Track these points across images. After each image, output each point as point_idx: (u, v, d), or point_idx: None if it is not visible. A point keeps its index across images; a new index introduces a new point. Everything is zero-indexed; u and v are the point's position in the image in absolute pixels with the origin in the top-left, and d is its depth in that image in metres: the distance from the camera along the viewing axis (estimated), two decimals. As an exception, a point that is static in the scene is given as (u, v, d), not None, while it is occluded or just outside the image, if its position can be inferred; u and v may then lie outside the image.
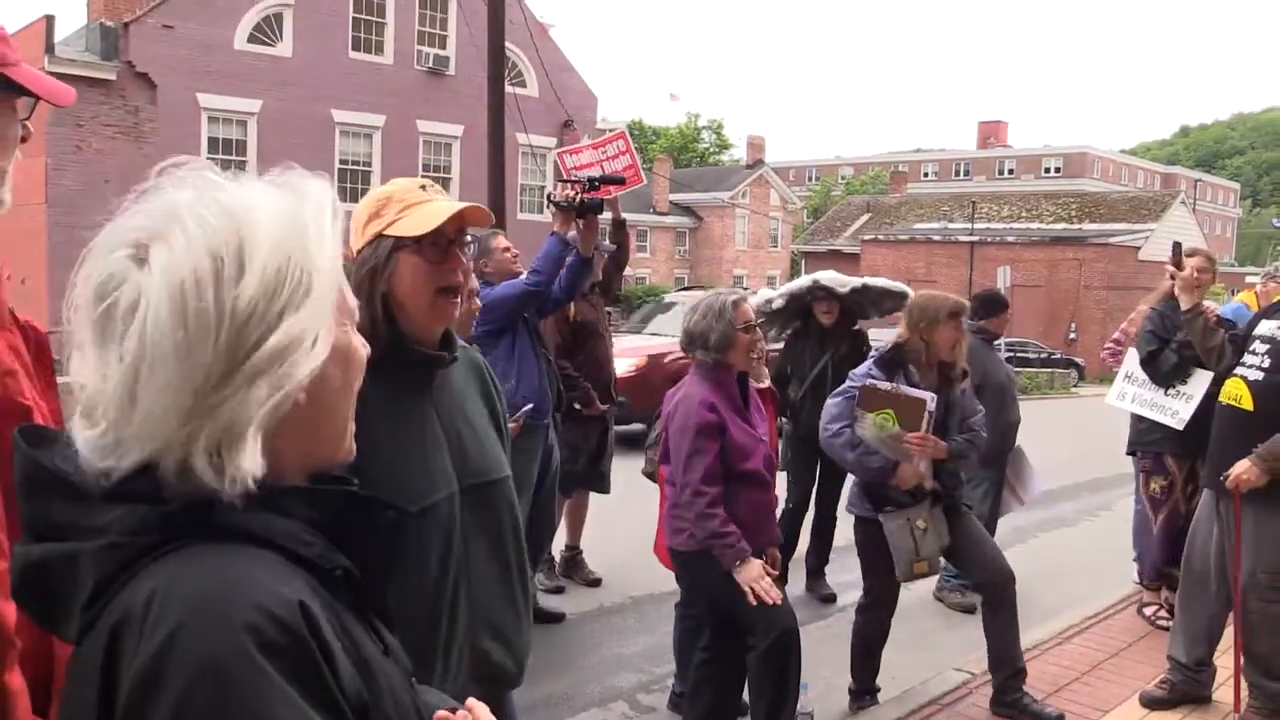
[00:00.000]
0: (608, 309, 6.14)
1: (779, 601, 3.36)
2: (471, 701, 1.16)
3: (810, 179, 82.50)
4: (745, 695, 3.67)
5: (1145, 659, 4.71)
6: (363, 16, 22.29)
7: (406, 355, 1.80)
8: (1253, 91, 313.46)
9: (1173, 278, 4.59)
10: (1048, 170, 76.30)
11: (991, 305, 6.04)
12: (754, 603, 3.31)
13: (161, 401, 0.86)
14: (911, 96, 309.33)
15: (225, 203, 0.91)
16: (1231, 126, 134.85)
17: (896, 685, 4.38)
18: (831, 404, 4.06)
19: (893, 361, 4.02)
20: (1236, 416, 3.88)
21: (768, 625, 3.40)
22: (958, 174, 79.82)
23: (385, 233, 1.79)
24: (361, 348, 1.04)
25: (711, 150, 65.93)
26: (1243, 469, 3.70)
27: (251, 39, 20.64)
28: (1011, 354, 26.07)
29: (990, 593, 4.14)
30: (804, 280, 6.16)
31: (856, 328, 6.21)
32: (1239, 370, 3.94)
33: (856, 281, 6.07)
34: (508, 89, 11.58)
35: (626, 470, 5.76)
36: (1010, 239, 39.33)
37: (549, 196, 4.49)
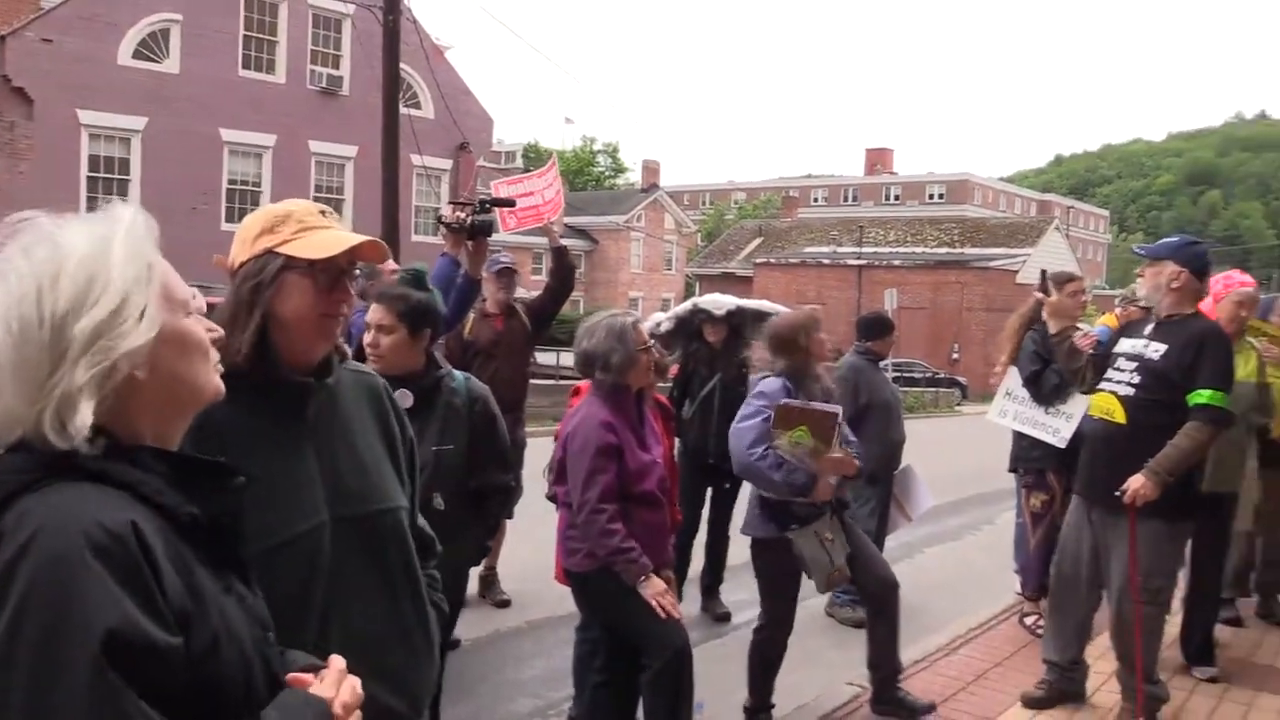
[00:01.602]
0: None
1: (679, 616, 3.41)
2: (333, 658, 1.38)
3: (704, 203, 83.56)
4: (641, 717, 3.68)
5: (1026, 667, 4.88)
6: (254, 35, 21.82)
7: (278, 377, 1.74)
8: (1120, 124, 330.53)
9: (1040, 304, 4.80)
10: (931, 196, 78.90)
11: (877, 327, 6.21)
12: (663, 615, 3.35)
13: (14, 392, 1.15)
14: (802, 123, 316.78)
15: (49, 242, 1.19)
16: (1101, 157, 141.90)
17: (791, 701, 4.45)
18: (745, 427, 4.06)
19: (798, 380, 4.12)
20: (1109, 429, 4.09)
21: (660, 646, 3.43)
22: (846, 199, 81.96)
23: (276, 249, 1.73)
24: (204, 332, 1.31)
25: (607, 174, 66.23)
26: (1139, 484, 3.83)
27: (136, 54, 20.01)
28: (898, 374, 26.82)
29: (876, 601, 4.26)
30: (686, 304, 6.25)
31: (747, 351, 6.27)
32: (1107, 386, 4.15)
33: (732, 303, 6.09)
34: (403, 110, 11.48)
35: (528, 494, 5.74)
36: (896, 262, 40.50)
37: (439, 218, 4.46)
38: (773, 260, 44.02)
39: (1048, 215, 58.05)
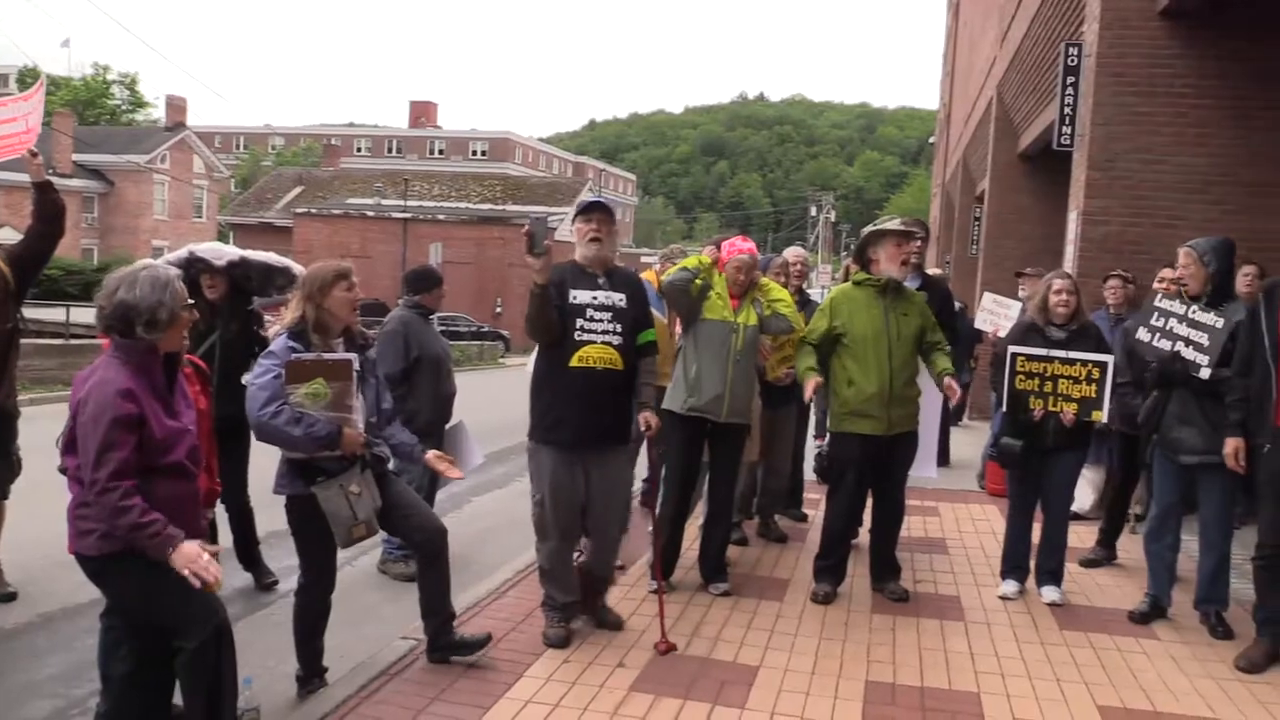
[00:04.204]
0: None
1: (219, 578, 3.15)
2: None
3: (238, 147, 78.17)
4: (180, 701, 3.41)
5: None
6: None
7: None
8: (646, 95, 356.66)
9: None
10: (475, 153, 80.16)
11: (426, 281, 6.19)
12: (197, 585, 3.06)
13: None
14: (345, 69, 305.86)
15: None
16: (629, 124, 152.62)
17: (346, 663, 4.36)
18: (257, 387, 3.87)
19: (302, 334, 3.96)
20: (611, 376, 4.54)
21: (194, 624, 3.17)
22: (390, 151, 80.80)
23: None
24: None
25: (124, 108, 59.43)
26: (649, 418, 4.60)
27: None
28: (444, 328, 27.03)
29: (425, 550, 4.27)
30: (181, 252, 5.69)
31: (252, 307, 5.82)
32: (599, 339, 4.51)
33: (235, 254, 5.63)
34: None
35: (38, 468, 5.04)
36: (441, 217, 40.72)
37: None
38: (314, 211, 42.30)
39: (583, 176, 61.44)
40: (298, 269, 5.83)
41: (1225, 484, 4.88)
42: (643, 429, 4.70)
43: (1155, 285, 6.33)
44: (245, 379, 5.43)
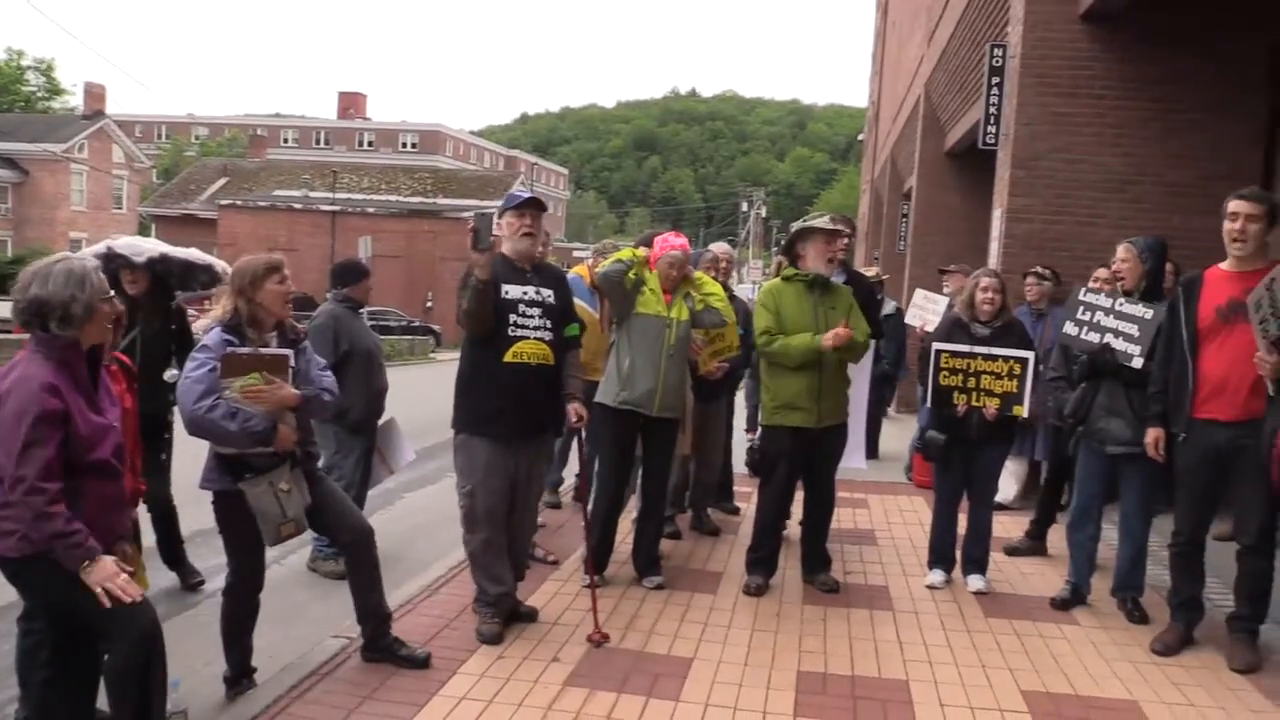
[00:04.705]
0: None
1: (138, 599, 3.09)
2: None
3: (160, 136, 76.24)
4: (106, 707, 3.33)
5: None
6: None
7: None
8: (578, 89, 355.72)
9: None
10: (405, 145, 79.26)
11: (352, 273, 6.12)
12: (108, 604, 3.01)
13: None
14: (270, 57, 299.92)
15: None
16: (561, 118, 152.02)
17: (275, 663, 4.29)
18: (191, 381, 3.79)
19: (237, 328, 3.90)
20: (545, 371, 4.60)
21: (123, 628, 3.09)
22: (318, 142, 79.46)
23: None
24: None
25: (40, 95, 57.49)
26: (578, 409, 4.72)
27: None
28: (374, 322, 26.72)
29: (353, 551, 4.22)
30: (99, 246, 5.54)
31: (175, 302, 5.68)
32: (532, 334, 4.57)
33: (155, 250, 5.52)
34: None
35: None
36: (371, 210, 40.21)
37: None
38: (239, 202, 41.41)
39: (514, 170, 61.10)
40: (221, 266, 5.72)
41: (1147, 474, 5.03)
42: (573, 420, 4.74)
43: (1090, 284, 6.52)
44: (166, 375, 5.34)
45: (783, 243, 6.12)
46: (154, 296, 5.45)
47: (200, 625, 4.87)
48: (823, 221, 5.58)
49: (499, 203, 5.67)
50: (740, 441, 7.78)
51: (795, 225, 5.71)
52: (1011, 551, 6.41)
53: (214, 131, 74.95)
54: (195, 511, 4.99)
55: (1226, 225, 4.47)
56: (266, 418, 3.80)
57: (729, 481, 7.46)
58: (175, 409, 4.27)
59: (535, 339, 4.58)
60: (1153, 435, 4.76)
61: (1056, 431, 6.26)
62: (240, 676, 4.12)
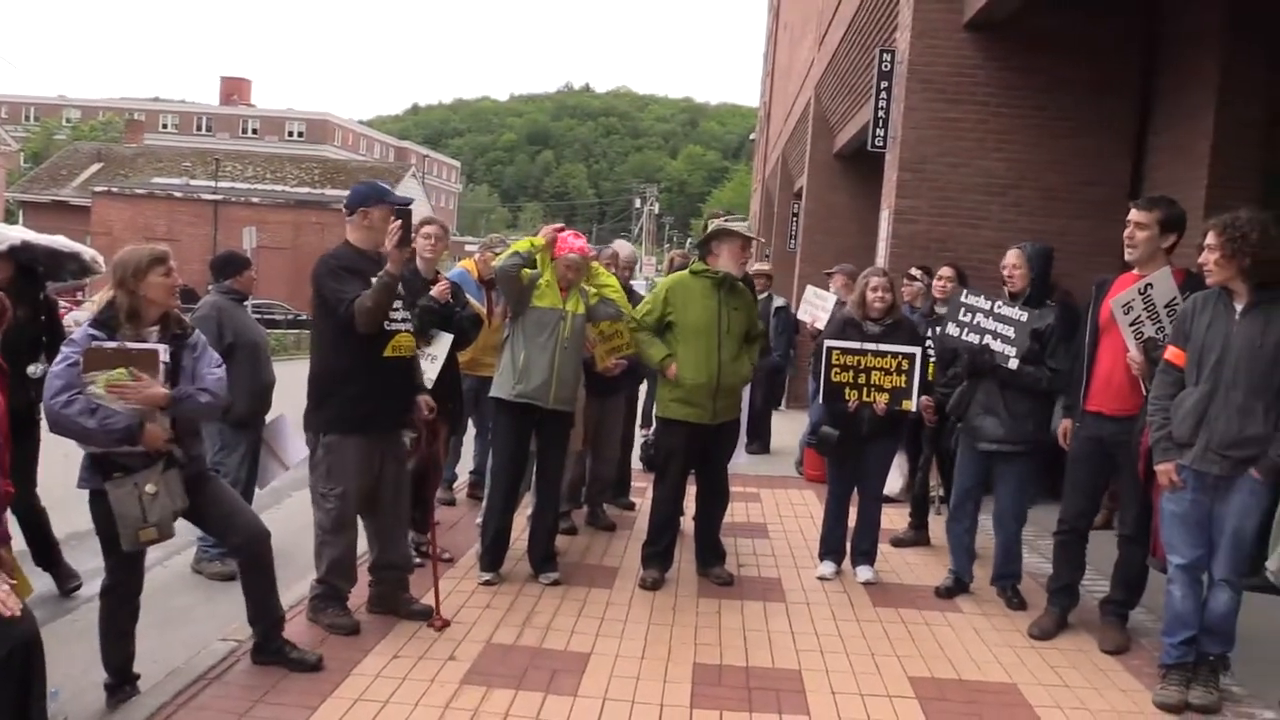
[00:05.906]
0: None
1: (17, 612, 2.95)
2: None
3: (28, 118, 72.50)
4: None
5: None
6: None
7: None
8: (471, 81, 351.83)
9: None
10: (292, 134, 77.12)
11: (232, 264, 5.95)
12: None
13: None
14: (148, 38, 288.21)
15: None
16: (454, 110, 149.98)
17: (160, 669, 4.14)
18: (53, 374, 3.62)
19: (109, 322, 3.75)
20: (412, 362, 4.78)
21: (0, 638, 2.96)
22: (200, 129, 76.72)
23: None
24: None
25: (-111, 72, 54.11)
26: (427, 400, 4.85)
27: None
28: (259, 316, 26.00)
29: (245, 554, 4.11)
30: None
31: (45, 293, 5.41)
32: (402, 326, 4.65)
33: (16, 238, 5.24)
34: None
35: None
36: (255, 200, 39.09)
37: None
38: (115, 189, 39.75)
39: (405, 162, 60.09)
40: (90, 255, 5.50)
41: (1019, 471, 5.27)
42: (424, 412, 4.82)
43: (935, 283, 6.78)
44: (30, 370, 5.07)
45: (699, 239, 6.21)
46: (19, 287, 5.19)
47: (79, 631, 4.67)
48: (742, 227, 5.69)
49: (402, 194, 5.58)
50: (637, 437, 7.82)
51: (715, 224, 5.79)
52: (897, 543, 6.61)
53: (87, 114, 71.54)
54: (71, 512, 4.80)
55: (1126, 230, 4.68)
56: (130, 415, 3.64)
57: (625, 477, 7.50)
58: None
59: (405, 330, 4.68)
60: (1063, 426, 4.98)
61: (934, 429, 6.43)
62: (122, 683, 3.95)
